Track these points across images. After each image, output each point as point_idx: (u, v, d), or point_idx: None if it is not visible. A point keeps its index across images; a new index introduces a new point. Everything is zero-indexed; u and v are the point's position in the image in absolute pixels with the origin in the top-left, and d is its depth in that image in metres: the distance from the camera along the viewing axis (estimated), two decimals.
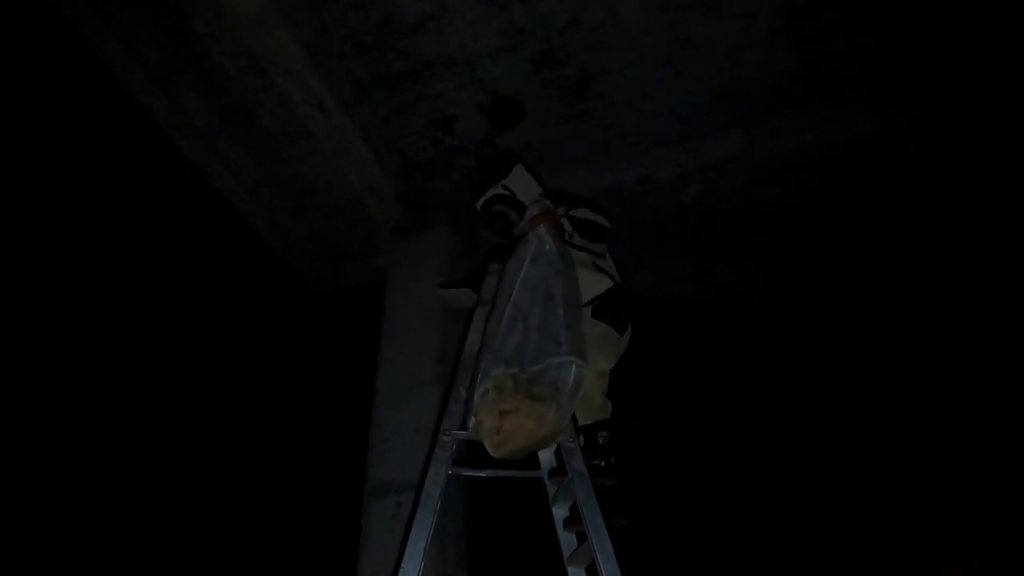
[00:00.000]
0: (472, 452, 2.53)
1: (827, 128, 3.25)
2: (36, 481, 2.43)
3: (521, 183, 2.76)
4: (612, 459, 2.28)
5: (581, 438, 2.16)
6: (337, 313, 3.90)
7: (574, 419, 2.18)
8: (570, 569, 2.01)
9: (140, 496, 2.66)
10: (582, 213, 2.66)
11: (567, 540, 2.07)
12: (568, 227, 2.61)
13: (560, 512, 2.12)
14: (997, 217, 3.54)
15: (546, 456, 2.22)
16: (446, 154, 3.49)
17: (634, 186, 3.55)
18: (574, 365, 2.08)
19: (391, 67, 3.09)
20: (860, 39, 2.98)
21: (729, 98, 3.22)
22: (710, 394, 4.20)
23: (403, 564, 1.81)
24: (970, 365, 3.69)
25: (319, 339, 3.75)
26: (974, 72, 3.02)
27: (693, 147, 3.43)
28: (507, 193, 2.70)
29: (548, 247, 2.38)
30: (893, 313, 4.05)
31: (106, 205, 2.81)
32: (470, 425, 2.06)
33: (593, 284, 2.54)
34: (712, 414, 4.13)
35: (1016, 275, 3.55)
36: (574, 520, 2.06)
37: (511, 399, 2.03)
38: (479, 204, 2.73)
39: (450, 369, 2.85)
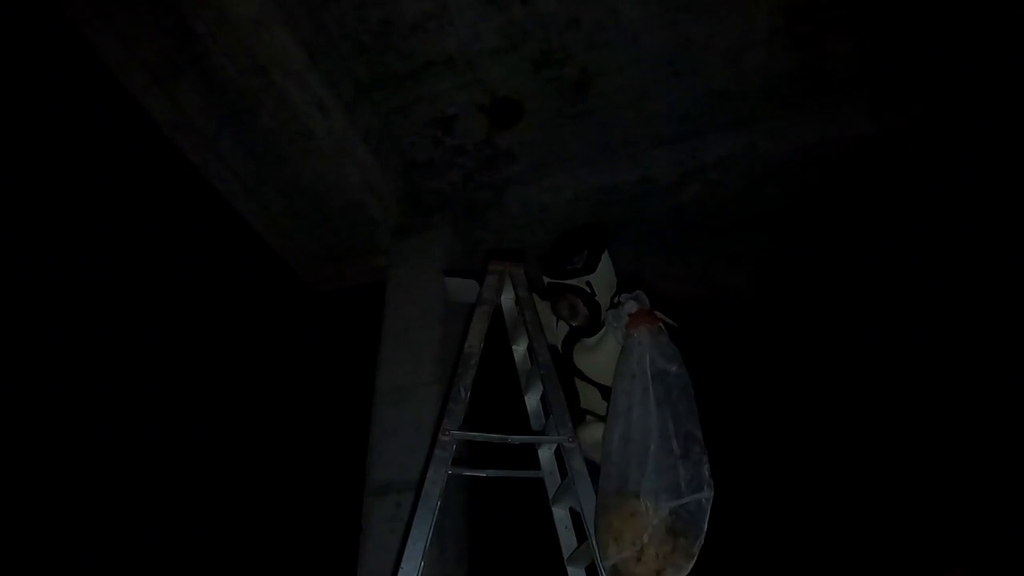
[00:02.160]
0: (472, 452, 2.53)
1: (827, 128, 3.25)
2: (36, 481, 2.43)
3: (605, 277, 2.50)
4: None
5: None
6: (337, 313, 3.90)
7: (574, 419, 2.18)
8: (570, 569, 2.00)
9: (140, 496, 2.66)
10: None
11: (567, 540, 2.07)
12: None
13: (560, 512, 2.11)
14: (997, 217, 3.54)
15: (546, 456, 2.22)
16: (446, 154, 3.49)
17: (634, 186, 3.55)
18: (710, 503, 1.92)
19: (391, 67, 3.09)
20: (860, 39, 2.98)
21: (729, 98, 3.22)
22: (710, 394, 4.20)
23: (403, 564, 1.81)
24: (970, 365, 3.69)
25: (319, 339, 3.74)
26: (974, 72, 3.02)
27: (693, 147, 3.43)
28: (588, 291, 2.44)
29: (666, 353, 2.14)
30: (893, 313, 4.05)
31: (106, 205, 2.81)
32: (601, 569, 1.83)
33: None
34: (712, 414, 4.13)
35: (1016, 275, 3.55)
36: (574, 520, 2.06)
37: (667, 540, 1.85)
38: (548, 281, 2.47)
39: (450, 369, 2.85)
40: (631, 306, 2.32)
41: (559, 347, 2.59)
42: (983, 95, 3.06)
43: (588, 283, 2.46)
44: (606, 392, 2.38)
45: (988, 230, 3.61)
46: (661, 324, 2.25)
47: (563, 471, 2.08)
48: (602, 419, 2.34)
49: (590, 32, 2.93)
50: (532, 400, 2.36)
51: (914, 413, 3.74)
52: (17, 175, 2.52)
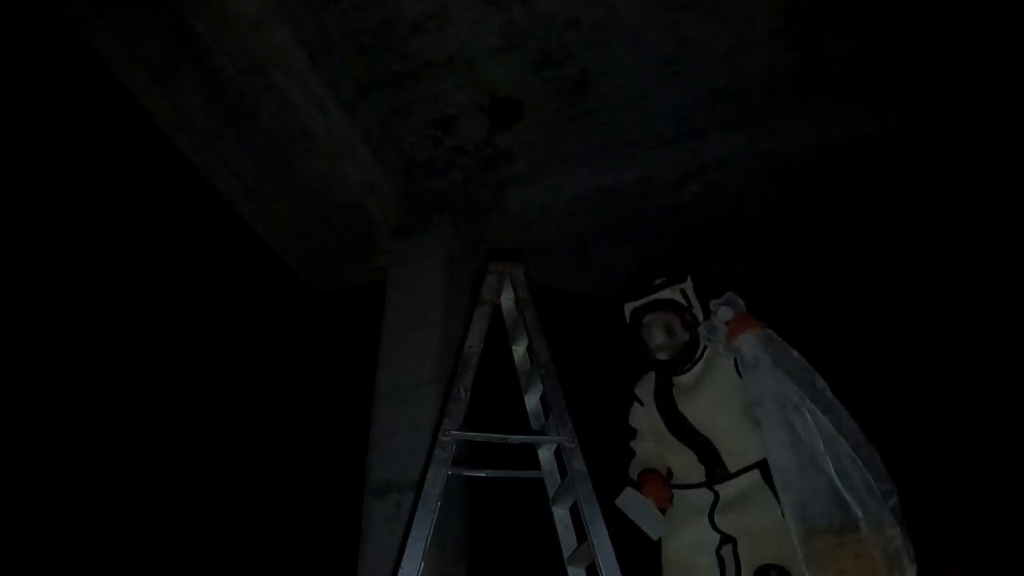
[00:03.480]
0: (472, 452, 2.52)
1: (827, 128, 3.25)
2: (36, 481, 2.43)
3: (694, 292, 2.26)
4: None
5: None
6: (337, 313, 3.90)
7: (572, 419, 2.15)
8: (570, 569, 2.00)
9: (140, 496, 2.66)
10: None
11: (567, 540, 2.07)
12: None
13: (560, 512, 2.11)
14: (997, 217, 3.54)
15: (546, 456, 2.22)
16: (446, 154, 3.49)
17: (634, 186, 3.55)
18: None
19: (391, 67, 3.09)
20: (860, 39, 2.98)
21: (729, 98, 3.22)
22: None
23: (403, 564, 1.81)
24: (970, 365, 3.69)
25: (319, 339, 3.74)
26: (974, 72, 3.02)
27: (693, 147, 3.43)
28: (685, 304, 2.18)
29: (790, 358, 2.01)
30: (893, 313, 4.05)
31: (106, 205, 2.81)
32: None
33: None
34: None
35: (1016, 275, 3.55)
36: (574, 520, 2.06)
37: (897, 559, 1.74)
38: (633, 308, 2.23)
39: (450, 369, 2.85)
40: (724, 312, 2.08)
41: (654, 408, 2.23)
42: (983, 95, 3.06)
43: (683, 292, 2.22)
44: (707, 453, 2.09)
45: (988, 230, 3.61)
46: (765, 325, 2.04)
47: (563, 471, 2.08)
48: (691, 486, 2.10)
49: (590, 32, 2.93)
50: (532, 400, 2.36)
51: (914, 413, 3.74)
52: (17, 175, 2.52)
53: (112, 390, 2.67)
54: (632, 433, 2.40)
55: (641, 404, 2.32)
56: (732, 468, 2.13)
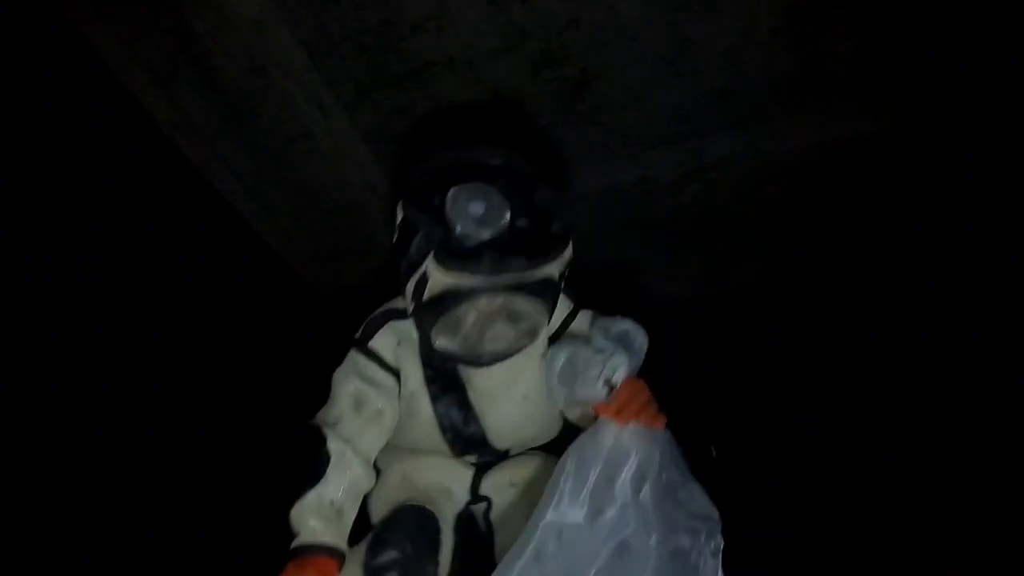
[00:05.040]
0: None
1: (827, 128, 3.24)
2: (35, 481, 2.43)
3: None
4: None
5: None
6: (337, 313, 3.89)
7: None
8: None
9: (140, 496, 2.66)
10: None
11: None
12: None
13: None
14: (997, 217, 3.54)
15: None
16: None
17: (634, 186, 3.54)
18: None
19: (391, 67, 3.09)
20: (860, 39, 2.97)
21: (729, 98, 3.21)
22: (710, 395, 4.20)
23: None
24: (970, 365, 3.69)
25: (319, 339, 3.74)
26: (974, 72, 3.02)
27: (693, 147, 3.42)
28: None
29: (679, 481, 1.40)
30: (893, 313, 4.05)
31: (106, 205, 2.81)
32: None
33: None
34: (711, 415, 4.12)
35: (1016, 275, 3.55)
36: None
37: None
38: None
39: None
40: (618, 367, 1.37)
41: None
42: (983, 95, 3.06)
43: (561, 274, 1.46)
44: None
45: (988, 230, 3.61)
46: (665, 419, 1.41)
47: None
48: None
49: (590, 32, 2.93)
50: None
51: (914, 413, 3.74)
52: (17, 175, 2.52)
53: (112, 390, 2.66)
54: None
55: None
56: None
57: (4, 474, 2.32)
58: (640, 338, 1.51)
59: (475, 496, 1.78)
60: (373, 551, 1.54)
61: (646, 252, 4.07)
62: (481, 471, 1.80)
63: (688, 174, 3.62)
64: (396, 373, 1.66)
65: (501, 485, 1.77)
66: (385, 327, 1.70)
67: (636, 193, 3.72)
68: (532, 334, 1.45)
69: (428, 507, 1.63)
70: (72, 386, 2.53)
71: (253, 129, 3.46)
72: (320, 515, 1.49)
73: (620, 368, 1.40)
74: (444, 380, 1.63)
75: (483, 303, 1.32)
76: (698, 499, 1.40)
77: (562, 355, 1.47)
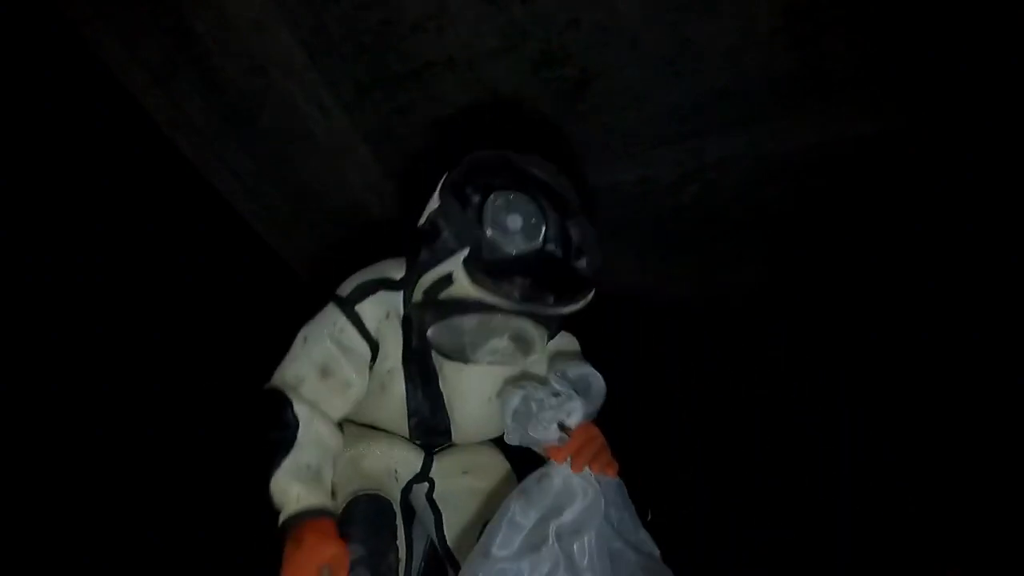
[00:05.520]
0: None
1: (827, 128, 3.25)
2: (35, 481, 2.43)
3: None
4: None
5: None
6: None
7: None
8: None
9: (139, 496, 2.66)
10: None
11: None
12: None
13: None
14: (997, 217, 3.54)
15: None
16: None
17: (634, 186, 3.55)
18: None
19: (391, 67, 3.09)
20: (860, 39, 2.97)
21: (729, 98, 3.21)
22: (710, 395, 4.20)
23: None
24: (970, 365, 3.69)
25: None
26: (974, 72, 3.02)
27: (693, 147, 3.42)
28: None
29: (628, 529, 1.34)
30: (893, 313, 4.05)
31: (106, 205, 2.80)
32: None
33: None
34: (712, 415, 4.12)
35: (1016, 275, 3.55)
36: None
37: None
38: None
39: None
40: (572, 412, 1.31)
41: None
42: (983, 95, 3.06)
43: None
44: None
45: (988, 230, 3.61)
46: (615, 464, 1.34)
47: None
48: None
49: (590, 32, 2.93)
50: None
51: (913, 413, 3.74)
52: (17, 175, 2.51)
53: (112, 390, 2.66)
54: None
55: None
56: None
57: (4, 474, 2.32)
58: (598, 384, 1.45)
59: (420, 477, 1.74)
60: None
61: (646, 252, 4.07)
62: (431, 455, 1.76)
63: (688, 174, 3.61)
64: (375, 346, 1.55)
65: (451, 470, 1.75)
66: (376, 295, 1.58)
67: (636, 193, 3.72)
68: (528, 354, 1.44)
69: (381, 494, 1.57)
70: (72, 386, 2.52)
71: (253, 129, 3.47)
72: (300, 480, 1.40)
73: (574, 413, 1.36)
74: (419, 365, 1.56)
75: (496, 320, 1.30)
76: (646, 544, 1.36)
77: (517, 395, 1.42)
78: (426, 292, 1.37)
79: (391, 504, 1.56)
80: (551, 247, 1.29)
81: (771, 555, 3.35)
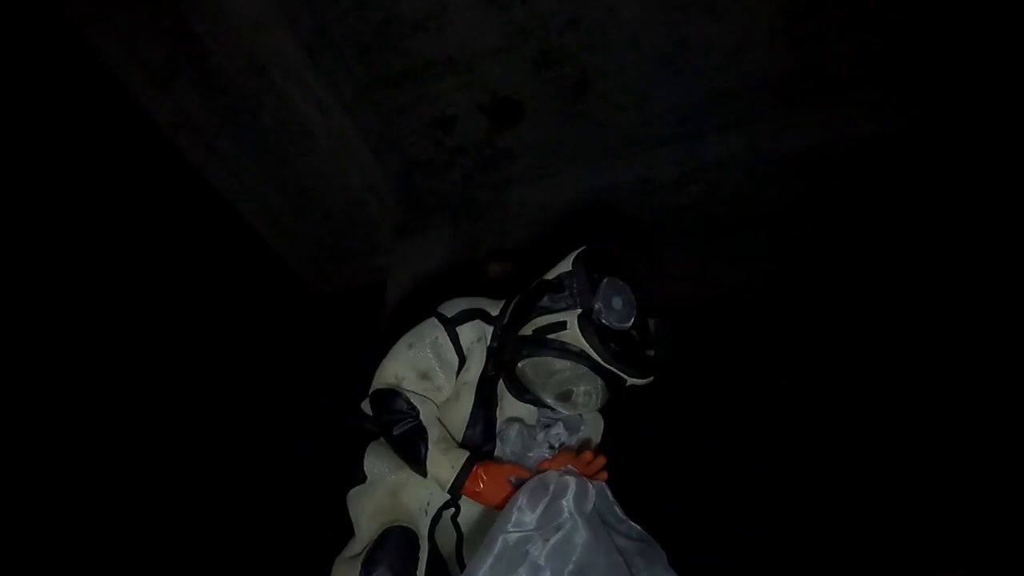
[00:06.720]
0: None
1: (827, 128, 3.25)
2: (36, 481, 2.43)
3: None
4: None
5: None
6: (337, 313, 3.89)
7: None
8: None
9: (140, 496, 2.66)
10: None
11: None
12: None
13: None
14: (997, 217, 3.54)
15: None
16: (446, 154, 3.49)
17: (634, 186, 3.55)
18: None
19: (391, 67, 3.09)
20: (860, 39, 2.98)
21: (729, 98, 3.22)
22: (709, 395, 4.20)
23: None
24: (970, 365, 3.69)
25: (319, 339, 3.74)
26: (974, 72, 3.02)
27: (693, 147, 3.43)
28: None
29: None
30: (893, 313, 4.05)
31: (106, 205, 2.81)
32: None
33: None
34: (712, 415, 4.13)
35: (1016, 275, 3.55)
36: None
37: None
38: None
39: None
40: (559, 434, 1.63)
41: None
42: (983, 95, 3.06)
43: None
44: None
45: (988, 230, 3.61)
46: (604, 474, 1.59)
47: None
48: None
49: (590, 32, 2.93)
50: None
51: (913, 413, 3.74)
52: (16, 175, 2.52)
53: (112, 390, 2.66)
54: None
55: None
56: None
57: (4, 474, 2.32)
58: (576, 420, 1.73)
59: (450, 502, 1.90)
60: (367, 569, 1.73)
61: (646, 252, 4.08)
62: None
63: (688, 174, 3.62)
64: (463, 360, 1.79)
65: None
66: (475, 321, 1.80)
67: (636, 193, 3.73)
68: (588, 408, 1.67)
69: (410, 527, 1.80)
70: (72, 386, 2.53)
71: (253, 129, 3.47)
72: (444, 453, 1.65)
73: (561, 435, 1.67)
74: (487, 389, 1.79)
75: (583, 370, 1.55)
76: (635, 532, 1.60)
77: (513, 431, 1.71)
78: (536, 330, 1.61)
79: (419, 539, 1.80)
80: (634, 332, 1.59)
81: (771, 554, 3.35)
